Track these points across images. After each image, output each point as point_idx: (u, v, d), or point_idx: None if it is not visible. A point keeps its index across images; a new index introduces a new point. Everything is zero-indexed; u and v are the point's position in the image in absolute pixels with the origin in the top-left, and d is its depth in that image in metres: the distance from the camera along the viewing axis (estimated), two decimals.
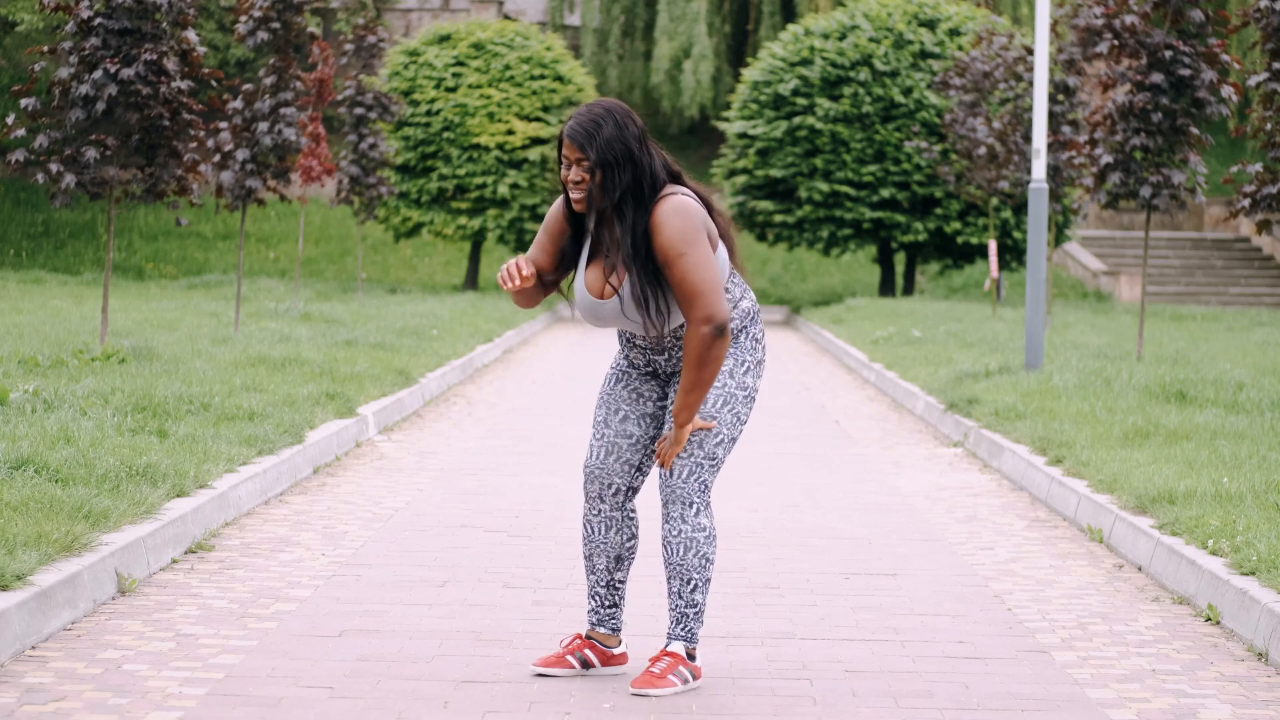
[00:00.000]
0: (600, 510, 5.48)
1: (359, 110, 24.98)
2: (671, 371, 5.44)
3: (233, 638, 5.85)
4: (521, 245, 33.19)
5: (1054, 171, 21.57)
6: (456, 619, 6.25)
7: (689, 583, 5.31)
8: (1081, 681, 5.56)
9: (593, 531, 5.50)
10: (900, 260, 37.53)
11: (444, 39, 34.35)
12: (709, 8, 42.75)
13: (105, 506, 6.89)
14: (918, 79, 32.20)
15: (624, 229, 5.19)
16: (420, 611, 6.35)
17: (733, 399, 5.33)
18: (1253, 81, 14.17)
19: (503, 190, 32.61)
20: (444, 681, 5.36)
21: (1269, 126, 14.13)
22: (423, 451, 11.21)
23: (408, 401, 13.48)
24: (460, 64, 33.66)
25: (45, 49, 13.47)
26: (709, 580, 5.33)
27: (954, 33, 32.75)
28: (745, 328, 5.40)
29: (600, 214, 5.26)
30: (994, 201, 28.09)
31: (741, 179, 33.03)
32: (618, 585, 5.54)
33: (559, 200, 5.39)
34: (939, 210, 32.20)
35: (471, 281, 34.10)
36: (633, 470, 5.46)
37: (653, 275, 5.20)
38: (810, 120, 32.20)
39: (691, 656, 5.36)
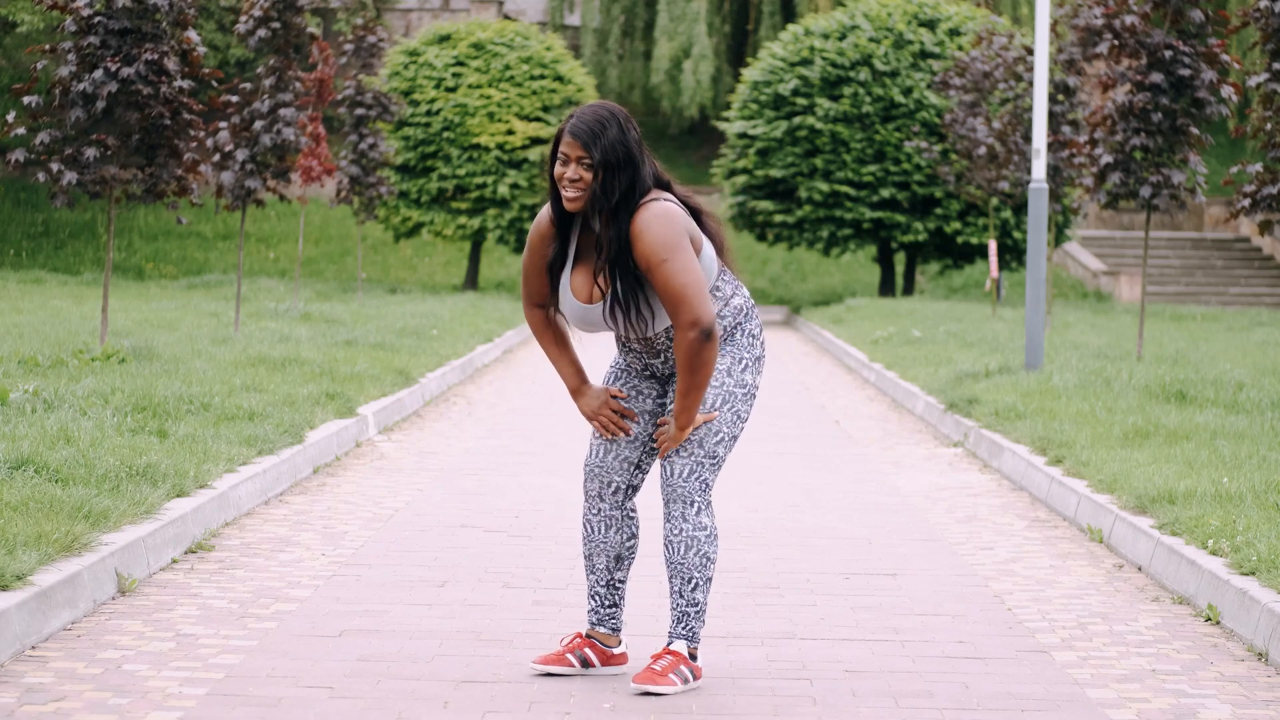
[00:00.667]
0: (600, 509, 5.48)
1: (359, 110, 24.98)
2: (669, 373, 5.44)
3: (233, 638, 5.85)
4: (521, 245, 33.16)
5: (1054, 171, 21.57)
6: (456, 619, 6.25)
7: (690, 582, 5.31)
8: (1081, 681, 5.56)
9: (592, 530, 5.50)
10: (900, 260, 37.52)
11: (444, 39, 34.34)
12: (709, 8, 42.75)
13: (105, 506, 6.89)
14: (918, 79, 32.20)
15: (612, 233, 5.18)
16: (420, 611, 6.35)
17: (732, 397, 5.33)
18: (1253, 81, 14.16)
19: (503, 190, 32.61)
20: (444, 681, 5.36)
21: (1269, 126, 14.12)
22: (423, 451, 11.21)
23: (408, 401, 13.48)
24: (460, 64, 33.66)
25: (46, 48, 13.48)
26: (710, 579, 5.33)
27: (954, 33, 32.75)
28: (740, 324, 5.39)
29: (586, 217, 5.25)
30: (994, 201, 28.09)
31: (741, 179, 33.03)
32: (618, 585, 5.54)
33: (539, 217, 5.34)
34: (939, 210, 32.19)
35: (471, 281, 34.09)
36: (632, 468, 5.46)
37: (632, 280, 5.19)
38: (810, 120, 32.20)
39: (693, 656, 5.36)
